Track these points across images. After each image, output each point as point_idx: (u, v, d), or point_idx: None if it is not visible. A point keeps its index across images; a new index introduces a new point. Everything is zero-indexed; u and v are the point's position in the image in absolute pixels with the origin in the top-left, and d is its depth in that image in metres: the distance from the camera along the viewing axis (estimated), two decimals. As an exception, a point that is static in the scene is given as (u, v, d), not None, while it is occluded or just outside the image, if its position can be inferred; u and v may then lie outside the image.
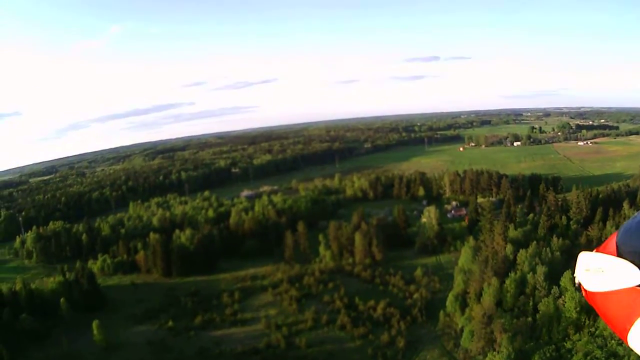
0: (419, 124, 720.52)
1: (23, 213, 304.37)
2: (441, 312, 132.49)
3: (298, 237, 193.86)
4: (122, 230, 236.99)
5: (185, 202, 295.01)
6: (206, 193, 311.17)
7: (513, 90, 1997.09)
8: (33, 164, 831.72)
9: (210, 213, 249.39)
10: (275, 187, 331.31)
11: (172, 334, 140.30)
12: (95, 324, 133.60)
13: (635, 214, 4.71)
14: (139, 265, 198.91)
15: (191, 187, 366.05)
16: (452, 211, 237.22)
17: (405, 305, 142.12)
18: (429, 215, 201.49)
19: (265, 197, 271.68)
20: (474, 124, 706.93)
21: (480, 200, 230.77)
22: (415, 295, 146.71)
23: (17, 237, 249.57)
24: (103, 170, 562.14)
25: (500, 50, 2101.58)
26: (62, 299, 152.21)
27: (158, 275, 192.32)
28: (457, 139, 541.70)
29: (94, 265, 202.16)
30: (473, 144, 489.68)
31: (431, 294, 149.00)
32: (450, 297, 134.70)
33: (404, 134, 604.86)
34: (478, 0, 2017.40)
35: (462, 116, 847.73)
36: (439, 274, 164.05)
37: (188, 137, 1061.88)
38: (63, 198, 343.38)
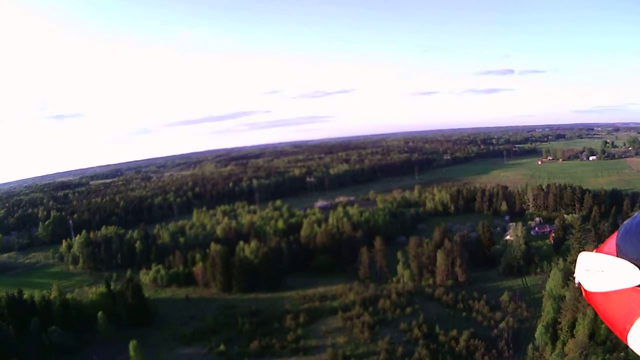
0: (496, 136, 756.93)
1: (75, 215, 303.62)
2: (530, 346, 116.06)
3: (374, 253, 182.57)
4: (181, 239, 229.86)
5: (254, 212, 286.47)
6: (278, 202, 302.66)
7: (583, 105, 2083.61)
8: (97, 167, 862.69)
9: (280, 224, 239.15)
10: (352, 198, 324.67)
11: (222, 359, 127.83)
12: (132, 344, 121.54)
13: (635, 214, 4.88)
14: (196, 278, 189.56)
15: (262, 195, 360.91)
16: (536, 228, 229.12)
17: (490, 336, 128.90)
18: (516, 233, 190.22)
19: (340, 209, 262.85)
20: (550, 137, 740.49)
21: (563, 216, 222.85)
22: (502, 325, 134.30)
23: (64, 240, 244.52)
24: (171, 175, 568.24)
25: (570, 65, 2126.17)
26: (99, 313, 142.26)
27: (216, 290, 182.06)
28: (534, 153, 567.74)
29: (146, 276, 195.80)
30: (551, 158, 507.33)
31: (518, 322, 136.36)
32: (540, 328, 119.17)
33: (482, 147, 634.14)
34: (550, 17, 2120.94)
35: (537, 130, 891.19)
36: (526, 299, 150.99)
37: (264, 145, 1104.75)
38: (122, 202, 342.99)
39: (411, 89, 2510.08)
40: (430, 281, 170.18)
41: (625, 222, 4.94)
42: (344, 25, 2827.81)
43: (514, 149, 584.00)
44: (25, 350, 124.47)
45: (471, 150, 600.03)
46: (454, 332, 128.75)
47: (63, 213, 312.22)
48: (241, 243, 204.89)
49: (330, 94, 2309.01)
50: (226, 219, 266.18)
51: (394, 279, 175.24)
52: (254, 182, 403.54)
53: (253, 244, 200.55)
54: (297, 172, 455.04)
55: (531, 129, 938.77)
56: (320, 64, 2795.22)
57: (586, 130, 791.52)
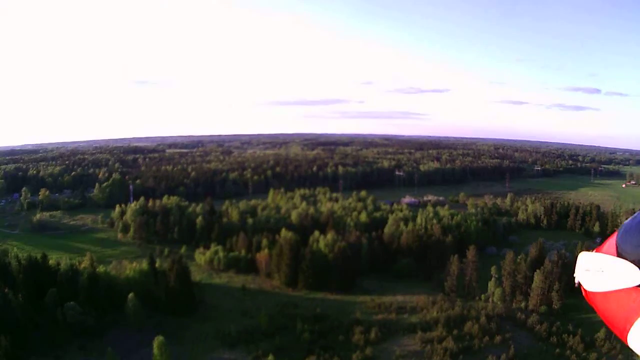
0: (581, 154, 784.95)
1: (138, 181, 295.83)
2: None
3: (466, 264, 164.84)
4: (250, 220, 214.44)
5: (336, 200, 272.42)
6: (362, 193, 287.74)
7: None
8: (179, 136, 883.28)
9: (363, 217, 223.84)
10: (441, 198, 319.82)
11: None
12: (157, 341, 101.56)
13: (635, 214, 4.93)
14: (259, 265, 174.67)
15: (346, 184, 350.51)
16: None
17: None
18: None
19: (430, 208, 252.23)
20: (630, 161, 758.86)
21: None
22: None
23: (118, 205, 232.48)
24: (254, 152, 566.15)
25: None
26: (130, 294, 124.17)
27: (279, 283, 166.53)
28: (618, 175, 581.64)
29: (202, 256, 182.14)
30: (634, 182, 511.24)
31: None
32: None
33: (570, 162, 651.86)
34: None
35: (619, 153, 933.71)
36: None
37: (354, 134, 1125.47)
38: (193, 173, 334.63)
39: (502, 96, 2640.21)
40: (522, 305, 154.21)
41: (625, 222, 4.91)
42: (444, 28, 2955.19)
43: (600, 168, 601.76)
44: (35, 326, 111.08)
45: (560, 164, 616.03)
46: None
47: (127, 177, 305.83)
48: (316, 233, 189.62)
49: (425, 92, 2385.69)
50: (304, 203, 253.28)
51: (482, 297, 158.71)
52: (340, 169, 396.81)
53: (329, 235, 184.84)
54: (385, 164, 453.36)
55: (612, 151, 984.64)
56: (417, 62, 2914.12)
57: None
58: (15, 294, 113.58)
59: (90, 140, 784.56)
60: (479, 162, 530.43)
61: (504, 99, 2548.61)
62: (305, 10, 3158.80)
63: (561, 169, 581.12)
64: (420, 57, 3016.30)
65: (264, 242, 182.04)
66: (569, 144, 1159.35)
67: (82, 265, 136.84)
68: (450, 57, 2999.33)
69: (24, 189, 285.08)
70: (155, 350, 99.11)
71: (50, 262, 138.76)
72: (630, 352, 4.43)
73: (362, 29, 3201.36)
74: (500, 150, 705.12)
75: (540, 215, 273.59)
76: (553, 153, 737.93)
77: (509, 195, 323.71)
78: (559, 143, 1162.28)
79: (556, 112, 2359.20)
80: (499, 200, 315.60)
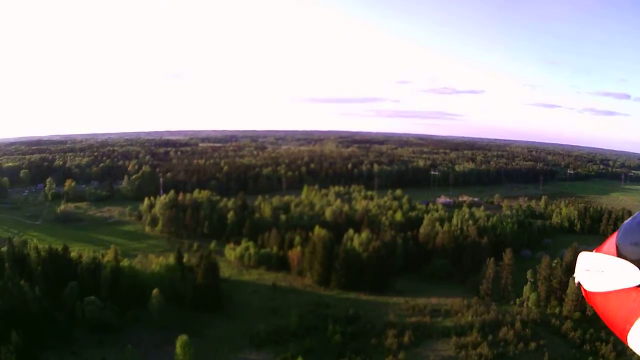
0: (612, 159, 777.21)
1: (169, 174, 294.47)
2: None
3: (502, 267, 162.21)
4: (283, 217, 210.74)
5: (371, 198, 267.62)
6: (398, 192, 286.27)
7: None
8: (212, 130, 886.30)
9: (398, 216, 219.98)
10: (476, 199, 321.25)
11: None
12: (180, 341, 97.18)
13: (635, 214, 4.94)
14: (291, 263, 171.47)
15: (381, 182, 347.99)
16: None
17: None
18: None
19: (465, 209, 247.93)
20: None
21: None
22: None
23: (147, 198, 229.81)
24: (288, 148, 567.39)
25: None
26: (154, 289, 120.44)
27: (311, 281, 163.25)
28: None
29: (232, 252, 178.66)
30: None
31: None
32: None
33: (601, 167, 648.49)
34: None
35: None
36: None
37: (389, 133, 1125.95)
38: (226, 167, 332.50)
39: (534, 99, 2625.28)
40: (557, 310, 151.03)
41: (625, 222, 4.87)
42: (479, 30, 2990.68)
43: (630, 173, 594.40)
44: (52, 320, 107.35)
45: (592, 168, 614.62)
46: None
47: (157, 170, 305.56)
48: (350, 231, 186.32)
49: (460, 93, 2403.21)
50: (339, 201, 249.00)
51: (517, 301, 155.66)
52: (375, 167, 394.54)
53: (364, 234, 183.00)
54: (421, 163, 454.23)
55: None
56: (453, 62, 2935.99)
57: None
58: (32, 287, 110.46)
59: (122, 132, 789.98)
60: (513, 164, 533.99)
61: (537, 102, 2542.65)
62: (345, 9, 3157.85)
63: (592, 173, 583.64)
64: (456, 58, 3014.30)
65: (297, 239, 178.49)
66: (600, 148, 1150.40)
67: (106, 259, 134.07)
68: (486, 58, 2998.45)
69: (48, 179, 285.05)
70: (178, 350, 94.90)
71: (72, 254, 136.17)
72: (631, 353, 4.42)
73: (399, 28, 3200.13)
74: (534, 153, 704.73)
75: (574, 219, 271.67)
76: (585, 157, 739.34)
77: (543, 198, 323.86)
78: (589, 147, 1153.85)
79: (588, 116, 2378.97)
80: (533, 203, 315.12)
